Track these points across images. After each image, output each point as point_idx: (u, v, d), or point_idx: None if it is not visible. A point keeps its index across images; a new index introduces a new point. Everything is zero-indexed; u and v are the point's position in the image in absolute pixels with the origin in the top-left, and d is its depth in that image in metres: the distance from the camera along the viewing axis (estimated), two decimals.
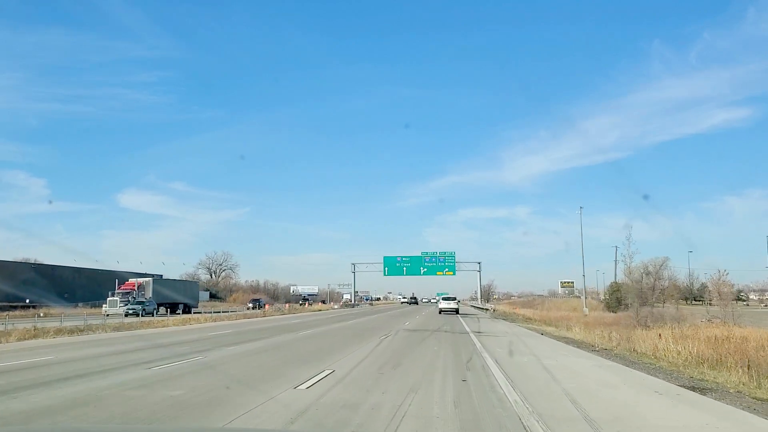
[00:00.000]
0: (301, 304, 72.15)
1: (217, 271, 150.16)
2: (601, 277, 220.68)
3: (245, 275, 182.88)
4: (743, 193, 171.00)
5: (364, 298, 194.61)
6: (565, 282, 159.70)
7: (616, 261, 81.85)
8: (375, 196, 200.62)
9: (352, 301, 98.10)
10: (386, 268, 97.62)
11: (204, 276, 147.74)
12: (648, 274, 68.51)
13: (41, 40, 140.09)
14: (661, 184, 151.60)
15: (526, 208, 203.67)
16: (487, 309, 66.20)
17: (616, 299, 75.44)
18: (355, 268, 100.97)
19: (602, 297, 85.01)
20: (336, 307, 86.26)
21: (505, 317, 52.22)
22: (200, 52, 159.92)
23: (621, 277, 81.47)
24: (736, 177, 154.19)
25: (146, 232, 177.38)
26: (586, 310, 65.99)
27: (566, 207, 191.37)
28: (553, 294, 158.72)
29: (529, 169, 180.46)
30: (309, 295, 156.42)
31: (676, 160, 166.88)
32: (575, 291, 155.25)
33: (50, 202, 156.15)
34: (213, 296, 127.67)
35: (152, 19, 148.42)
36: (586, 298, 69.96)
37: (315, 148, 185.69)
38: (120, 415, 7.76)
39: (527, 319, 50.69)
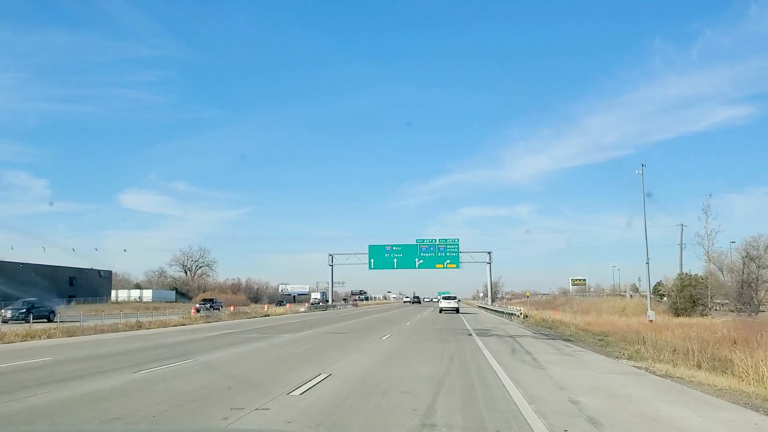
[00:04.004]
0: (200, 310, 44.77)
1: (193, 268, 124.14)
2: (616, 273, 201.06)
3: (242, 274, 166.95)
4: (745, 190, 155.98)
5: (362, 297, 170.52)
6: (576, 280, 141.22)
7: (682, 244, 55.45)
8: (376, 195, 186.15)
9: (328, 301, 72.08)
10: (372, 260, 71.38)
11: (178, 273, 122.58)
12: (752, 259, 42.18)
13: (42, 40, 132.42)
14: (663, 182, 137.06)
15: (528, 206, 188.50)
16: (511, 314, 39.66)
17: (689, 298, 48.96)
18: (334, 260, 74.72)
19: (663, 295, 58.13)
20: (303, 309, 60.35)
21: (559, 332, 25.82)
22: (201, 52, 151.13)
23: (692, 268, 54.96)
24: (738, 174, 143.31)
25: (148, 232, 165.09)
26: (651, 314, 38.80)
27: (568, 205, 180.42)
28: (564, 292, 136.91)
29: (531, 168, 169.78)
30: (299, 294, 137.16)
31: (678, 158, 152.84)
32: (587, 288, 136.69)
33: (51, 203, 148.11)
34: (182, 296, 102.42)
35: (153, 18, 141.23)
36: (650, 298, 43.23)
37: (316, 147, 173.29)
38: None
39: (601, 335, 24.57)
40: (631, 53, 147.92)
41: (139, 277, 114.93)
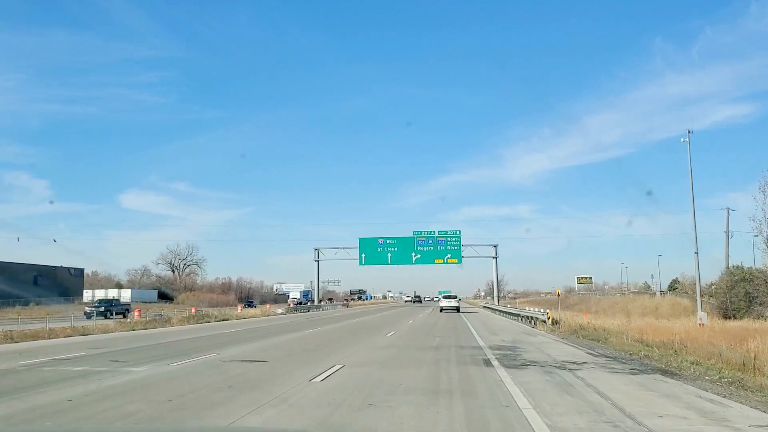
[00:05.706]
0: (90, 315, 33.65)
1: (181, 266, 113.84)
2: (624, 271, 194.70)
3: (242, 274, 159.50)
4: (746, 189, 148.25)
5: (366, 296, 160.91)
6: (582, 278, 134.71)
7: (728, 232, 45.10)
8: (377, 194, 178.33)
9: (313, 301, 61.85)
10: (363, 255, 61.02)
11: (165, 272, 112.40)
12: None
13: (43, 41, 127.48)
14: (664, 181, 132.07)
15: (529, 205, 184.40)
16: (532, 318, 29.19)
17: (743, 296, 38.62)
18: (320, 255, 64.40)
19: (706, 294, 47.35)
20: (280, 311, 50.30)
21: (625, 350, 15.28)
22: (201, 52, 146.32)
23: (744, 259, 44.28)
24: (739, 173, 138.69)
25: (149, 233, 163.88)
26: (703, 316, 28.23)
27: (569, 204, 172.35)
28: (570, 291, 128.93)
29: (532, 167, 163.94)
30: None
31: (678, 156, 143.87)
32: (593, 286, 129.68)
33: (51, 202, 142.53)
34: (163, 296, 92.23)
35: (153, 19, 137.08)
36: (699, 297, 32.65)
37: (316, 147, 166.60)
38: None
39: (682, 354, 14.13)
40: (632, 53, 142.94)
41: (122, 276, 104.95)
